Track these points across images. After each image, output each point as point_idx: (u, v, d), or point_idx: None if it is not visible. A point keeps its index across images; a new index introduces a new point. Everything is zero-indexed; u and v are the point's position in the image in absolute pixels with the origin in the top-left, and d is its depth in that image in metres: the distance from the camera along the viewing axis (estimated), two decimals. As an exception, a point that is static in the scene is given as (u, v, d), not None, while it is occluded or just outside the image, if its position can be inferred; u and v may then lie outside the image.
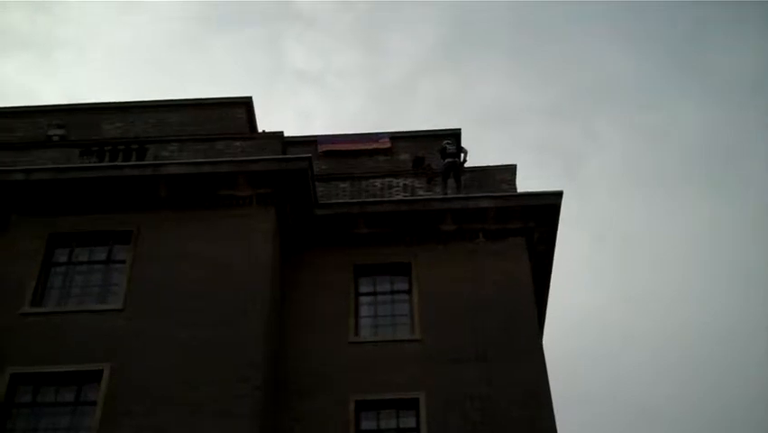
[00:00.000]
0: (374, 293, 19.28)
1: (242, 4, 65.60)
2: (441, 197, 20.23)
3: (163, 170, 18.89)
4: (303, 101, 66.94)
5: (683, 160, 60.24)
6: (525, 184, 20.93)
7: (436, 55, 68.24)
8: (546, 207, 19.78)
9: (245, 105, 22.98)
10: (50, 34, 64.67)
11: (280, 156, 19.48)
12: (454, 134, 22.93)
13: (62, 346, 16.63)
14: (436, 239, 19.68)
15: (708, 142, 60.84)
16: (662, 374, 49.79)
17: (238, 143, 20.04)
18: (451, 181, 20.62)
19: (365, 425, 17.09)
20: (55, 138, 21.60)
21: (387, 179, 21.25)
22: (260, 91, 61.97)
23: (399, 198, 20.53)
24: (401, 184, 21.14)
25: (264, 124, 25.88)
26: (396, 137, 23.82)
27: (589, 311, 53.40)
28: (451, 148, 21.00)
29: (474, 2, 65.87)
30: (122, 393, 15.89)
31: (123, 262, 18.14)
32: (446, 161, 20.81)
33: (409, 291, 19.08)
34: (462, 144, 22.47)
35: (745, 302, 52.89)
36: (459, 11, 66.50)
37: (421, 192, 20.89)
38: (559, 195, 19.80)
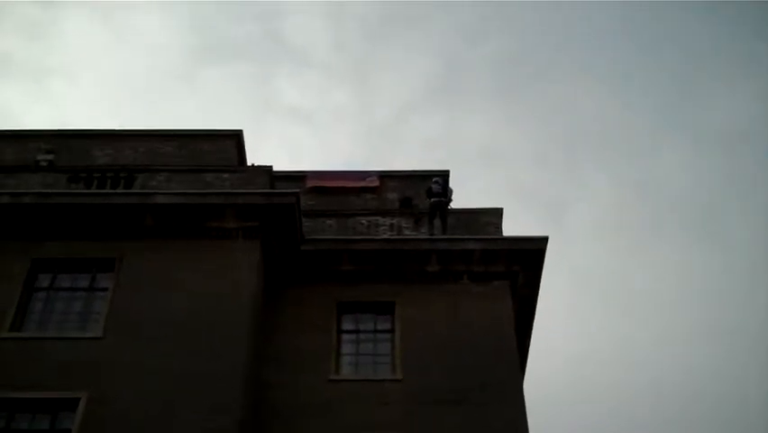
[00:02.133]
0: (357, 331, 19.20)
1: (236, 39, 66.14)
2: (427, 237, 20.27)
3: (150, 199, 18.88)
4: (293, 136, 67.24)
5: (669, 210, 60.68)
6: (508, 228, 21.00)
7: (425, 97, 68.87)
8: (531, 251, 19.85)
9: (236, 137, 23.08)
10: (42, 62, 64.83)
11: (268, 190, 19.53)
12: (442, 175, 23.03)
13: (39, 373, 16.44)
14: (421, 279, 19.68)
15: (695, 193, 61.41)
16: (645, 422, 49.70)
17: (227, 176, 20.09)
18: (437, 222, 20.66)
19: (343, 464, 16.94)
20: (43, 163, 21.59)
21: (373, 218, 21.30)
22: (250, 125, 62.41)
23: (385, 236, 20.56)
24: (388, 223, 21.17)
25: (253, 157, 26.11)
26: (384, 176, 23.94)
27: (572, 357, 53.32)
28: (437, 188, 21.08)
29: (464, 45, 66.67)
30: (98, 423, 15.68)
31: (105, 289, 18.03)
32: (432, 200, 20.89)
33: (392, 331, 19.01)
34: (450, 185, 22.54)
35: (729, 352, 53.05)
36: (448, 54, 67.25)
37: (407, 232, 20.92)
38: (544, 240, 19.90)
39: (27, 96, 64.54)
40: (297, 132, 68.12)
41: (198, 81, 67.48)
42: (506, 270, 19.77)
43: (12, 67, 63.08)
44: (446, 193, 21.17)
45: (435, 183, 21.27)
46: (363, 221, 21.23)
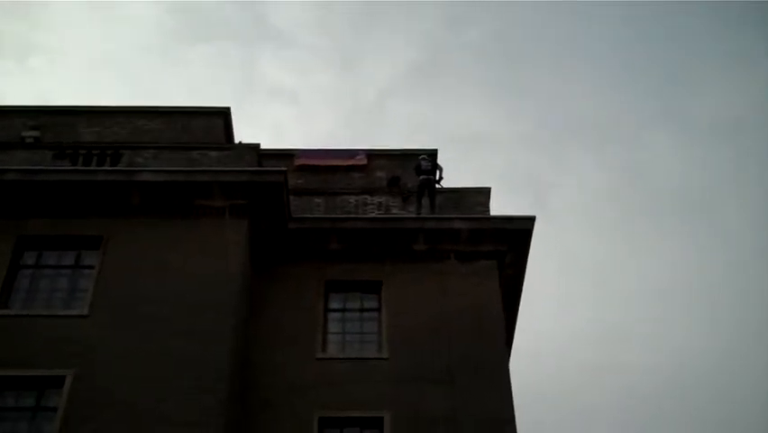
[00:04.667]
0: (343, 310, 19.22)
1: (220, 18, 65.57)
2: (414, 216, 20.27)
3: (137, 176, 18.76)
4: (276, 116, 66.86)
5: (655, 197, 60.65)
6: (494, 211, 20.96)
7: (409, 79, 68.48)
8: (518, 231, 19.87)
9: (223, 115, 22.95)
10: (25, 40, 64.07)
11: (256, 168, 19.45)
12: (430, 154, 22.98)
13: (25, 350, 16.40)
14: (408, 258, 19.69)
15: (682, 181, 61.41)
16: (628, 408, 50.00)
17: (214, 154, 19.97)
18: (425, 201, 20.65)
19: (328, 441, 17.01)
20: (29, 139, 21.43)
21: (361, 197, 21.26)
22: (233, 104, 61.63)
23: (373, 215, 20.54)
24: (376, 202, 21.15)
25: (237, 136, 25.99)
26: (372, 154, 23.86)
27: (555, 340, 53.52)
28: (426, 165, 21.06)
29: (448, 29, 66.35)
30: (84, 401, 15.69)
31: (91, 267, 17.96)
32: (421, 177, 20.87)
33: (379, 310, 19.04)
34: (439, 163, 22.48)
35: (725, 339, 53.31)
36: (433, 37, 66.91)
37: (395, 211, 20.92)
38: (531, 220, 19.93)
39: (9, 74, 63.80)
40: (281, 113, 67.78)
41: (182, 61, 67.03)
42: (493, 249, 19.79)
43: (-9, 45, 62.40)
44: (435, 170, 21.14)
45: (424, 160, 21.25)
46: (351, 200, 21.20)
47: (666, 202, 60.40)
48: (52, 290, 17.77)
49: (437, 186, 21.02)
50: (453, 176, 21.37)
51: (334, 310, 19.19)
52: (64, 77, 64.77)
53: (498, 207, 21.07)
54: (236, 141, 22.91)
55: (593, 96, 65.24)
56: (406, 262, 19.64)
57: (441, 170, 21.39)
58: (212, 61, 65.75)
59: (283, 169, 19.22)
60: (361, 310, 19.18)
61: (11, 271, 17.85)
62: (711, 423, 47.60)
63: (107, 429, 15.39)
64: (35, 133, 21.71)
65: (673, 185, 60.76)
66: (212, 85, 63.18)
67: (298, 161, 23.44)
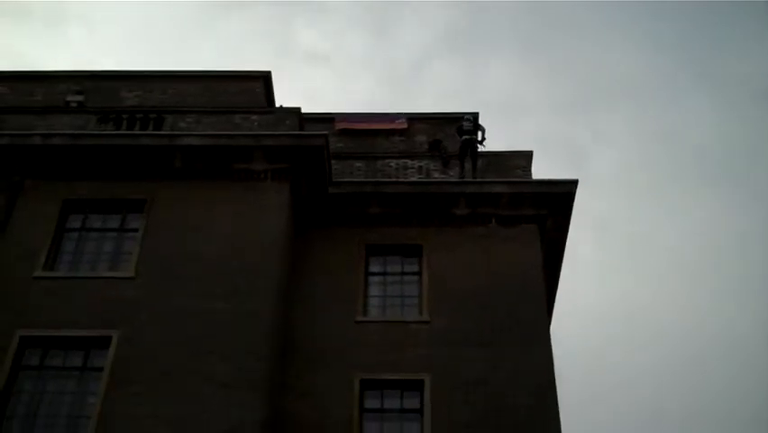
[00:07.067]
0: (384, 273, 19.26)
1: (254, -16, 65.17)
2: (455, 180, 20.19)
3: (179, 140, 18.90)
4: (312, 81, 66.63)
5: (691, 162, 59.66)
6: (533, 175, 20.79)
7: (446, 42, 67.77)
8: (561, 195, 19.71)
9: (264, 79, 22.97)
10: (60, 9, 64.39)
11: (298, 132, 19.48)
12: (472, 116, 22.80)
13: (72, 311, 16.72)
14: (449, 222, 19.65)
15: (718, 145, 60.30)
16: (665, 376, 49.65)
17: (255, 117, 20.03)
18: (467, 165, 20.55)
19: (369, 403, 17.11)
20: (73, 104, 21.66)
21: (402, 160, 21.21)
22: (269, 69, 61.34)
23: (414, 179, 20.49)
24: (416, 166, 21.09)
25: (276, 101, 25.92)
26: (413, 118, 23.76)
27: (591, 309, 53.12)
28: (468, 125, 20.94)
29: (486, -9, 65.39)
30: (129, 361, 15.98)
31: (135, 230, 18.18)
32: (463, 138, 20.76)
33: (419, 273, 19.06)
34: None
35: (750, 306, 52.59)
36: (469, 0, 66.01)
37: (436, 175, 20.85)
38: (574, 183, 19.73)
39: (46, 44, 64.23)
40: (316, 78, 67.48)
41: (216, 26, 66.95)
42: (534, 213, 19.66)
43: (31, 14, 62.85)
44: (477, 131, 21.02)
45: (467, 121, 21.13)
46: (392, 163, 21.16)
47: (701, 166, 59.48)
48: (98, 253, 18.04)
49: (480, 147, 20.90)
50: (489, 141, 21.18)
51: (375, 274, 19.25)
52: (99, 45, 65.14)
53: (534, 172, 20.88)
54: (278, 105, 22.92)
55: (628, 60, 64.18)
56: (447, 226, 19.60)
57: (483, 130, 21.25)
58: (247, 27, 65.66)
59: (325, 132, 19.22)
60: (402, 274, 19.21)
61: (57, 234, 18.14)
62: (749, 396, 47.18)
63: (152, 389, 15.66)
64: (79, 98, 21.95)
65: (709, 149, 59.77)
66: (247, 51, 63.19)
67: (339, 125, 23.41)
